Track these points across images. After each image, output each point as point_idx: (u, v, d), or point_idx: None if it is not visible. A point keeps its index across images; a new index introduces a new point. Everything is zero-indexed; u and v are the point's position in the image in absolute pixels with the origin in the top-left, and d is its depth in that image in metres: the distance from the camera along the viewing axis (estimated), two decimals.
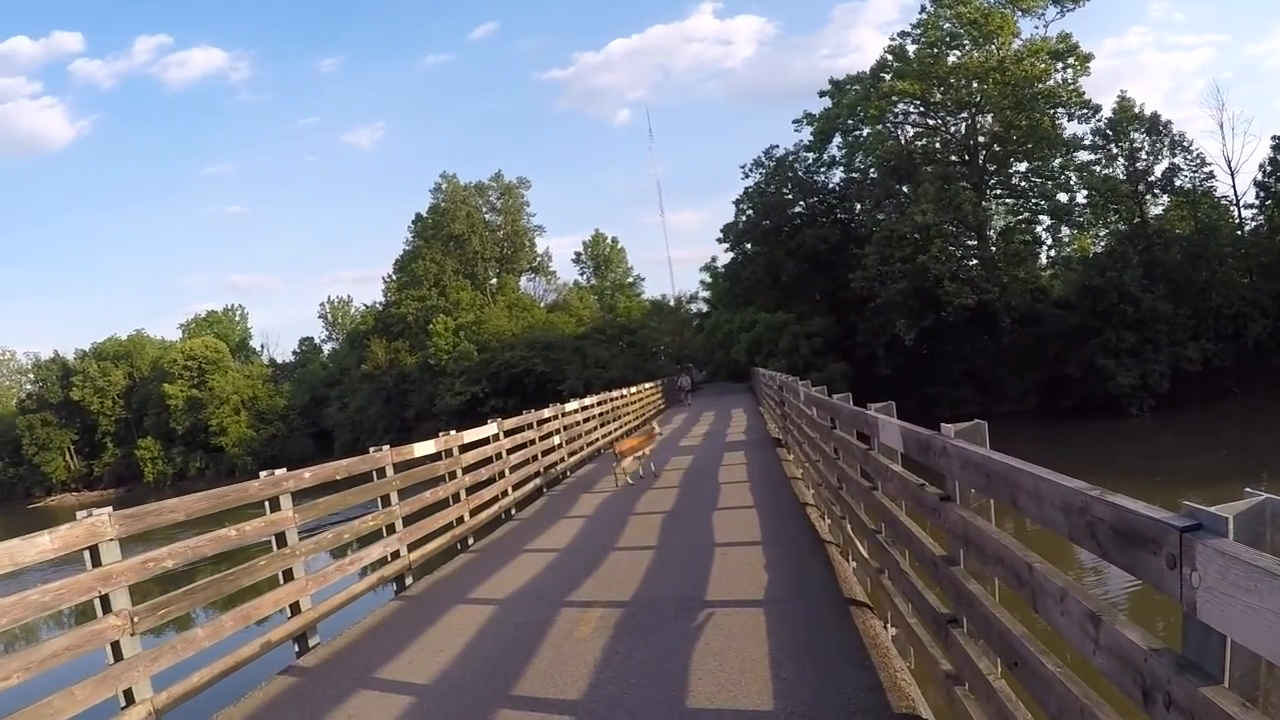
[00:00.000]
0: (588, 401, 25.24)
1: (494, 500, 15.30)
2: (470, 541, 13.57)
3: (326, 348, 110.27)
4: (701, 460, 20.38)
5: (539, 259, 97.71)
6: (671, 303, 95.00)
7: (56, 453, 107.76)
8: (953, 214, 51.75)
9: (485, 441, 15.63)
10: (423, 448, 12.81)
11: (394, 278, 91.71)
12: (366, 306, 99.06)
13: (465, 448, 14.09)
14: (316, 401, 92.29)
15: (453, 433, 14.02)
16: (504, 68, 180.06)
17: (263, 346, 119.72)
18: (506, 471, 16.05)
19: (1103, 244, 59.18)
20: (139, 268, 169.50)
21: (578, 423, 23.24)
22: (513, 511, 15.97)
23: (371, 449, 11.18)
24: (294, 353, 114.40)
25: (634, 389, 37.38)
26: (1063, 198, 55.81)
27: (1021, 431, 43.00)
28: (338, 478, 10.04)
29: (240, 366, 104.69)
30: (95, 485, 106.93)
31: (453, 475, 13.45)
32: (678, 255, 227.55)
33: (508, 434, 16.50)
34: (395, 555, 11.08)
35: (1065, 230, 57.36)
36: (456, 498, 13.50)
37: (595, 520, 14.14)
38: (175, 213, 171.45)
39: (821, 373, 46.24)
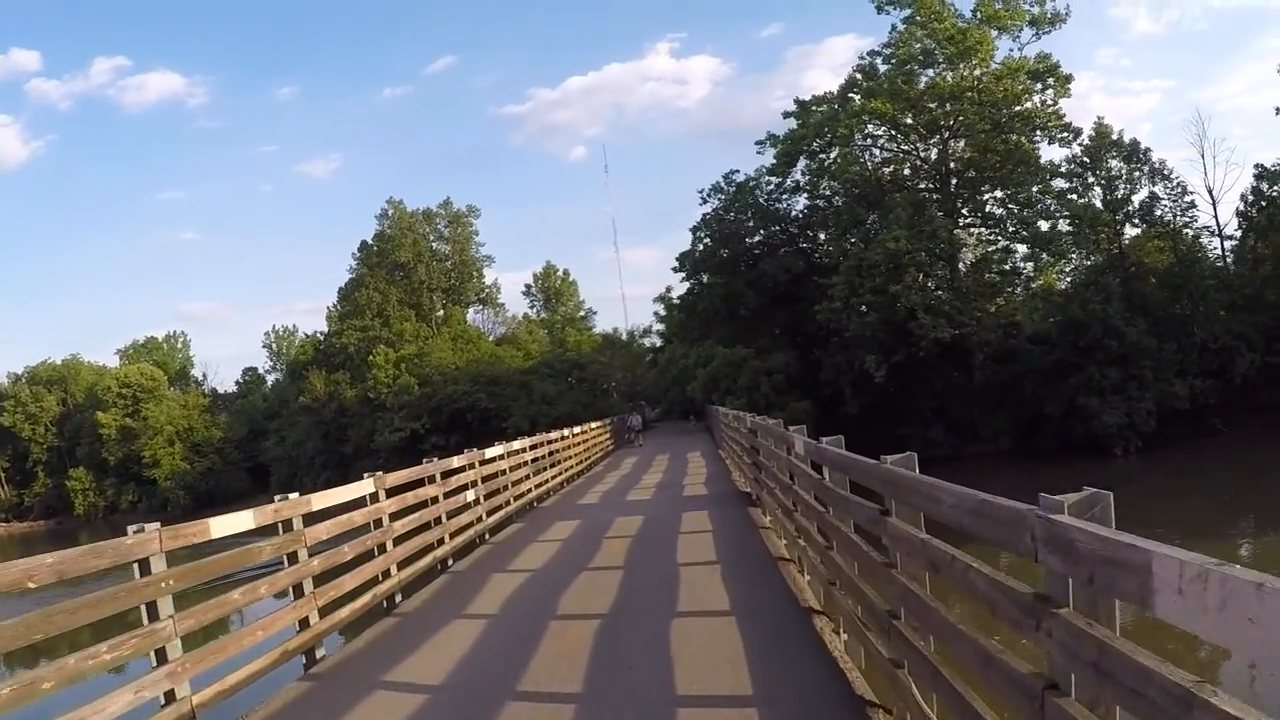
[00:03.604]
0: (516, 445, 20.69)
1: (368, 585, 11.01)
2: (319, 654, 9.33)
3: (270, 379, 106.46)
4: (654, 524, 16.08)
5: (487, 290, 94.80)
6: (624, 337, 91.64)
7: None
8: (926, 241, 48.28)
9: (356, 504, 11.34)
10: (236, 522, 8.47)
11: (337, 307, 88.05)
12: (307, 336, 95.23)
13: (313, 517, 9.80)
14: (255, 434, 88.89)
15: (294, 497, 9.58)
16: (461, 102, 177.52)
17: (204, 375, 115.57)
18: (388, 545, 11.67)
19: (1068, 278, 56.50)
20: (89, 293, 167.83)
21: (503, 471, 18.89)
22: (397, 599, 11.64)
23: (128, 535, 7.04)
24: (236, 383, 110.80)
25: (578, 429, 32.87)
26: (1043, 226, 52.41)
27: (997, 475, 39.70)
28: None
29: (177, 396, 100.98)
30: (25, 516, 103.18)
31: (294, 559, 9.27)
32: (632, 292, 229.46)
33: (391, 494, 12.22)
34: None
35: (1047, 259, 54.09)
36: (299, 591, 9.32)
37: (498, 628, 9.60)
38: (127, 238, 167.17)
39: (784, 411, 42.26)
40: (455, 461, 15.50)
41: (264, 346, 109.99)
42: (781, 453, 11.89)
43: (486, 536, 16.46)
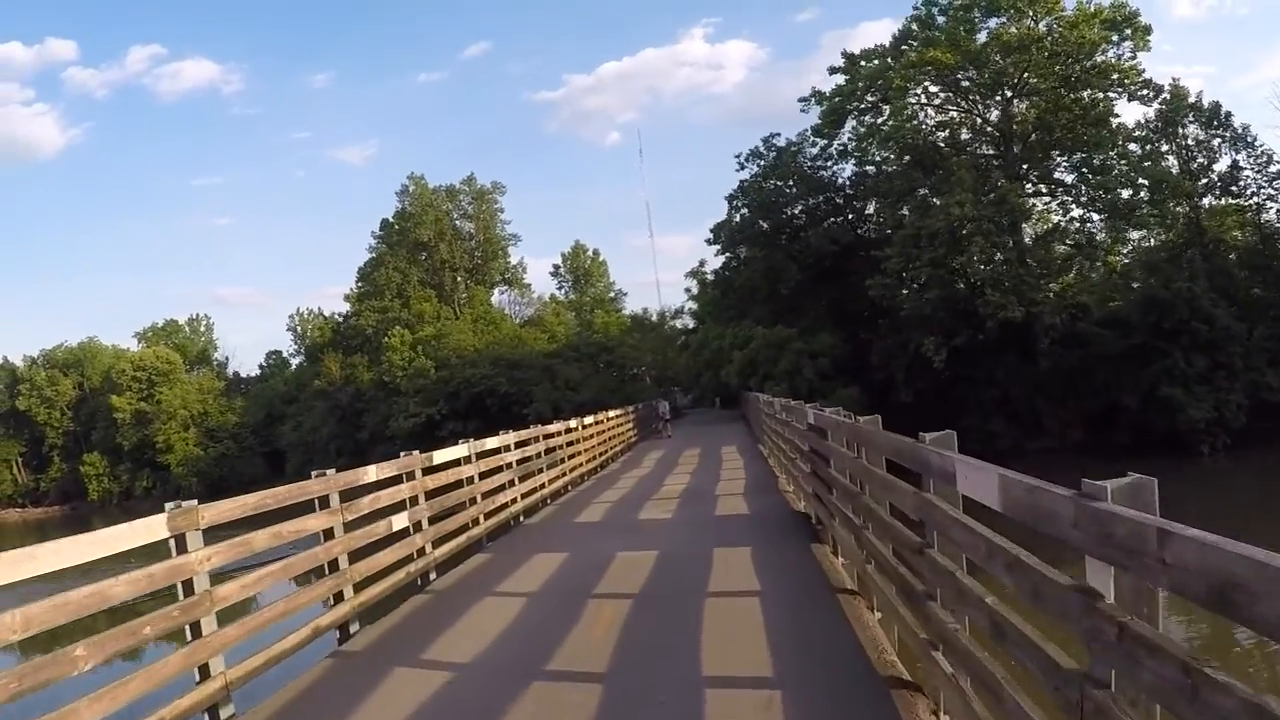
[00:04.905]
0: (492, 443, 15.42)
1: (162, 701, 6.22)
2: None
3: (295, 362, 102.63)
4: (670, 569, 10.66)
5: (512, 270, 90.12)
6: (654, 318, 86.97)
7: (3, 465, 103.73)
8: (992, 209, 42.89)
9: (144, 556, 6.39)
10: None
11: (356, 288, 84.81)
12: (325, 318, 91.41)
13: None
14: (273, 419, 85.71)
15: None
16: (496, 88, 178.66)
17: (226, 359, 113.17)
18: (205, 625, 6.69)
19: (1126, 259, 51.15)
20: (124, 280, 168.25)
21: (469, 479, 13.72)
22: (222, 717, 6.83)
23: None
24: (260, 366, 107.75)
25: (589, 419, 27.55)
26: (1124, 194, 46.79)
27: (1065, 474, 34.36)
28: None
29: (194, 379, 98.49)
30: (41, 501, 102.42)
31: None
32: (665, 278, 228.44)
33: (215, 537, 7.28)
34: None
35: (1128, 231, 48.65)
36: None
37: None
38: (164, 224, 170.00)
39: (829, 399, 37.77)
40: (371, 473, 10.20)
41: (288, 329, 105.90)
42: (882, 472, 6.93)
43: (431, 577, 11.37)
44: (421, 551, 11.32)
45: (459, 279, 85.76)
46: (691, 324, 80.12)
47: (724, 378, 53.05)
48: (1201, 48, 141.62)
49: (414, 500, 11.31)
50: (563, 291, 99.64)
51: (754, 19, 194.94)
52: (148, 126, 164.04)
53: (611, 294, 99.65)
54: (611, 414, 32.41)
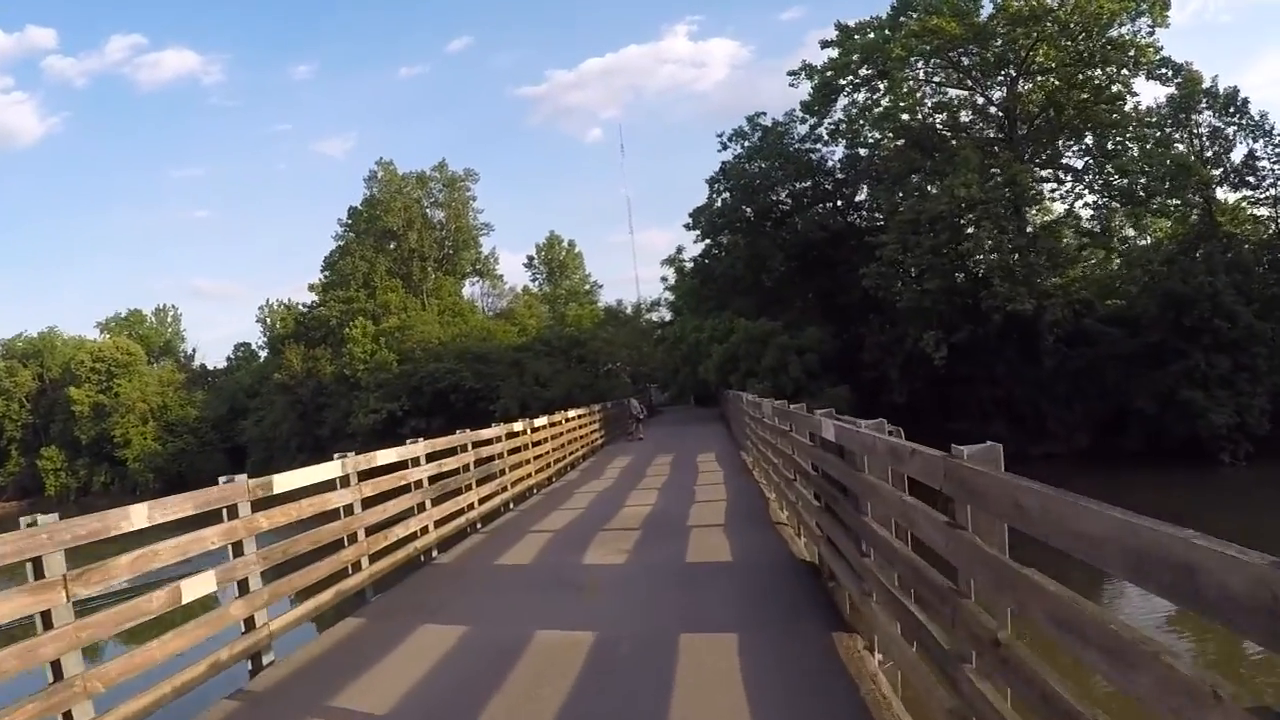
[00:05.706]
0: (386, 457, 11.13)
1: None
2: None
3: (264, 355, 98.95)
4: (606, 679, 6.53)
5: (484, 261, 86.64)
6: (628, 310, 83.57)
7: None
8: (1002, 191, 39.56)
9: None
10: None
11: (322, 277, 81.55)
12: (288, 308, 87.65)
13: None
14: (236, 413, 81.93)
15: None
16: (478, 82, 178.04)
17: (193, 351, 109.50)
18: None
19: (1121, 254, 48.27)
20: (102, 269, 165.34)
21: (347, 508, 9.80)
22: None
23: None
24: (227, 359, 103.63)
25: (544, 420, 23.43)
26: (1143, 180, 43.44)
27: (1074, 481, 30.97)
28: None
29: (155, 371, 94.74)
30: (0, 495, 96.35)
31: None
32: (645, 274, 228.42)
33: None
34: None
35: (1149, 219, 45.53)
36: None
37: None
38: (142, 215, 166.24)
39: (817, 398, 34.35)
40: (137, 516, 5.96)
41: (257, 320, 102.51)
42: (1061, 592, 3.23)
43: (265, 660, 7.43)
44: (250, 624, 7.56)
45: (428, 269, 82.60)
46: (668, 317, 76.56)
47: (702, 374, 49.74)
48: (1186, 53, 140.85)
49: (237, 549, 7.56)
50: (536, 284, 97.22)
51: (738, 17, 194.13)
52: (127, 116, 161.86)
53: (587, 286, 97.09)
54: (571, 414, 28.30)
